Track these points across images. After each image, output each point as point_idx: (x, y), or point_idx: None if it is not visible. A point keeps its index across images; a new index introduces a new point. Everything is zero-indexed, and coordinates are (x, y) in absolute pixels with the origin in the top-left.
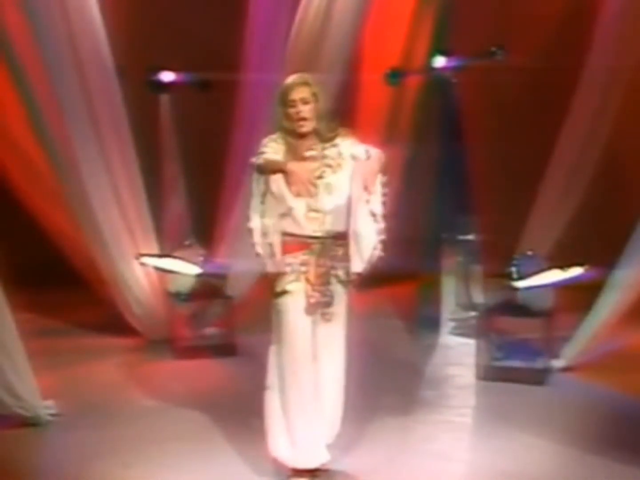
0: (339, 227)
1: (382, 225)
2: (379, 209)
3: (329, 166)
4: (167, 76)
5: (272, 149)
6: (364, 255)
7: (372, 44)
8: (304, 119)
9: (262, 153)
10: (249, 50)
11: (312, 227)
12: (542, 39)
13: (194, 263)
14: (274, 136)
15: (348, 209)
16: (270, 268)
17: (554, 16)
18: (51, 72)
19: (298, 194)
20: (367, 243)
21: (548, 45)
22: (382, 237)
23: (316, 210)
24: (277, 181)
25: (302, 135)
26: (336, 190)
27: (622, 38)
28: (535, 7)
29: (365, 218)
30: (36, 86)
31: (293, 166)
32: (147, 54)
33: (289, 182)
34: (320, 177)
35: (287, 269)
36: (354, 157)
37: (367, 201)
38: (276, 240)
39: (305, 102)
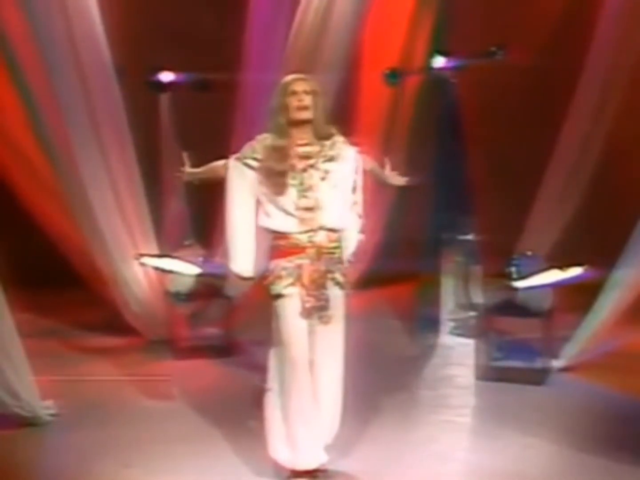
0: (333, 221)
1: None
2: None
3: (325, 156)
4: (166, 76)
5: (253, 151)
6: (347, 252)
7: (371, 44)
8: (305, 107)
9: (241, 157)
10: (248, 50)
11: (302, 224)
12: (542, 39)
13: (194, 263)
14: (261, 137)
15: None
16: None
17: (554, 16)
18: (51, 73)
19: (282, 189)
20: (352, 242)
21: (548, 45)
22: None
23: (307, 203)
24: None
25: (299, 124)
26: (331, 179)
27: (622, 38)
28: (535, 7)
29: (354, 218)
30: (36, 87)
31: (275, 159)
32: (147, 54)
33: (269, 176)
34: (314, 167)
35: (283, 273)
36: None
37: (356, 203)
38: (241, 237)
39: (307, 93)
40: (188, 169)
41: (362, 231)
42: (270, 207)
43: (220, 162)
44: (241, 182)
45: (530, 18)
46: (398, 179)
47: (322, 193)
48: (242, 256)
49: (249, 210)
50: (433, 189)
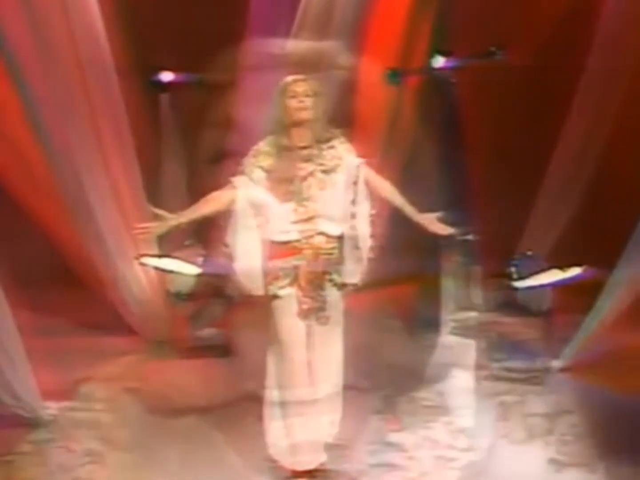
0: (332, 230)
1: (368, 240)
2: (363, 226)
3: (323, 165)
4: (167, 76)
5: (258, 161)
6: (357, 267)
7: (371, 43)
8: (305, 108)
9: (244, 171)
10: (248, 50)
11: (301, 234)
12: (542, 39)
13: (194, 263)
14: (261, 143)
15: (343, 214)
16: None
17: (554, 16)
18: (51, 73)
19: (285, 197)
20: (360, 254)
21: (548, 45)
22: (368, 253)
23: (306, 213)
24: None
25: (299, 125)
26: (330, 189)
27: (622, 38)
28: (535, 7)
29: (349, 232)
30: (36, 86)
31: (279, 166)
32: (147, 54)
33: (273, 185)
34: (312, 174)
35: (280, 273)
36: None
37: (353, 216)
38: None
39: (307, 95)
40: (164, 213)
41: (366, 250)
42: (267, 228)
43: (218, 192)
44: (249, 201)
45: (530, 18)
46: (441, 228)
47: (321, 202)
48: (253, 278)
49: (255, 227)
50: (433, 189)
